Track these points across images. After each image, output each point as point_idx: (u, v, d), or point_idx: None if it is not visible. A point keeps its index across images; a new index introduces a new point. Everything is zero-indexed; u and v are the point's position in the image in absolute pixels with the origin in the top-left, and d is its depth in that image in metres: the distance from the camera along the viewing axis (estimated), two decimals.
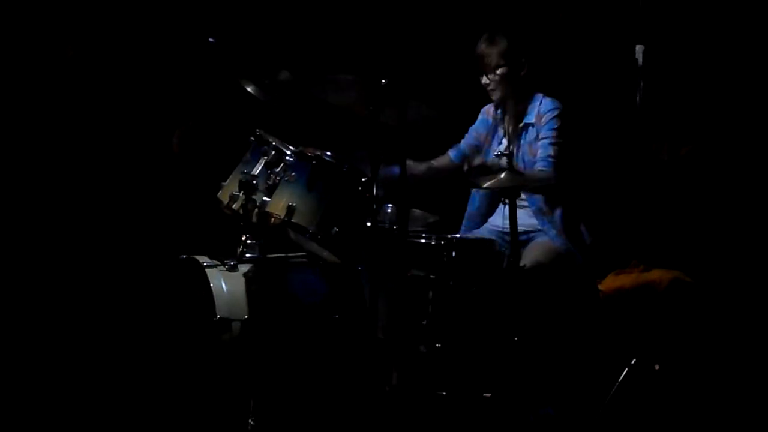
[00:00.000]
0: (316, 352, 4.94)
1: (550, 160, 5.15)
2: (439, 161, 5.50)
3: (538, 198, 5.27)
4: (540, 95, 5.28)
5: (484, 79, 5.28)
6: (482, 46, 5.26)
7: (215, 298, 4.87)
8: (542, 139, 5.20)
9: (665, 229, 5.67)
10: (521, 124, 5.28)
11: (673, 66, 5.78)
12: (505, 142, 5.29)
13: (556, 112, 5.22)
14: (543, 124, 5.22)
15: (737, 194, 5.73)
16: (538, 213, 5.27)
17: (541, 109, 5.25)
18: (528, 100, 5.29)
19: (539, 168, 5.16)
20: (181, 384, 4.97)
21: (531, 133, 5.26)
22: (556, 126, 5.20)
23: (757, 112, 5.76)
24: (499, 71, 5.24)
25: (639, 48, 5.36)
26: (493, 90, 5.28)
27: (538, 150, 5.19)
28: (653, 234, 5.58)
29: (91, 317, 5.70)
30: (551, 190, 5.20)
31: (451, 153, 5.50)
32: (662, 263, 5.47)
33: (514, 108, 5.30)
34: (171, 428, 4.93)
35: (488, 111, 5.47)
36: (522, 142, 5.28)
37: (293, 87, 5.20)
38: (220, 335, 4.85)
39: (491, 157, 5.36)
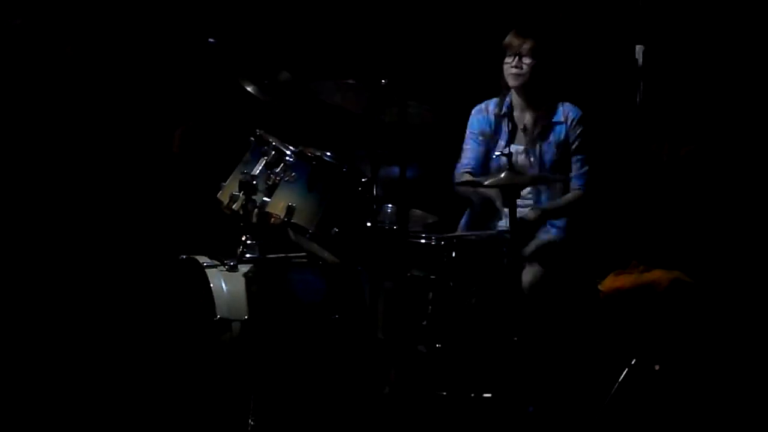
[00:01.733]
0: (316, 352, 4.94)
1: (586, 177, 5.29)
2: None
3: (545, 201, 5.28)
4: (558, 97, 5.31)
5: (514, 61, 5.26)
6: (517, 35, 5.27)
7: (215, 298, 4.87)
8: (576, 151, 5.28)
9: (665, 230, 5.67)
10: (545, 123, 5.28)
11: (673, 66, 5.77)
12: (518, 146, 5.30)
13: (583, 120, 5.29)
14: (575, 132, 5.26)
15: (737, 194, 5.73)
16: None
17: (568, 113, 5.27)
18: (552, 101, 5.30)
19: (575, 187, 5.29)
20: (181, 384, 4.97)
21: (558, 132, 5.27)
22: (585, 136, 5.29)
23: (757, 112, 5.76)
24: (531, 60, 5.23)
25: (639, 48, 5.36)
26: (518, 75, 5.25)
27: (572, 162, 5.28)
28: (653, 234, 5.57)
29: (92, 317, 5.69)
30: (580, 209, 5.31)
31: (466, 171, 5.47)
32: (662, 263, 5.46)
33: (536, 105, 5.30)
34: (171, 428, 4.93)
35: (486, 109, 5.44)
36: (549, 140, 5.28)
37: (293, 87, 5.20)
38: (220, 335, 4.85)
39: (494, 157, 5.34)
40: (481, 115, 5.44)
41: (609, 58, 5.83)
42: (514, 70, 5.25)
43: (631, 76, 5.36)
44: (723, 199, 5.74)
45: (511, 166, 4.94)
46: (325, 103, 5.15)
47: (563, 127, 5.28)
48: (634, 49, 5.37)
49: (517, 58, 5.24)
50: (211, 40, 5.28)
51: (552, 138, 5.29)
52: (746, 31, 5.77)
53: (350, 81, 4.96)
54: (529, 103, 5.32)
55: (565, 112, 5.30)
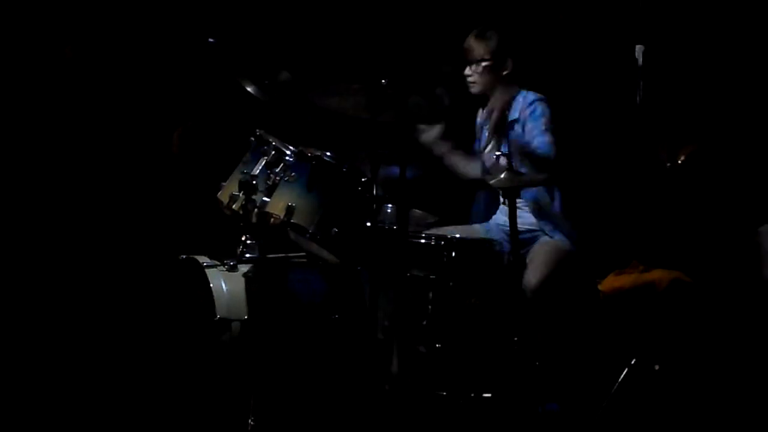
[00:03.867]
0: (316, 352, 4.94)
1: (547, 142, 5.11)
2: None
3: (535, 192, 5.26)
4: (523, 91, 5.27)
5: (467, 70, 5.27)
6: (471, 39, 5.26)
7: (215, 298, 4.87)
8: (532, 129, 5.18)
9: (665, 230, 5.67)
10: (504, 122, 5.27)
11: (673, 66, 5.77)
12: (492, 142, 5.30)
13: (539, 103, 5.19)
14: (528, 115, 5.20)
15: (737, 194, 5.73)
16: (535, 210, 5.27)
17: (524, 103, 5.24)
18: (512, 97, 5.28)
19: (537, 150, 5.14)
20: (181, 384, 4.97)
21: (517, 129, 5.24)
22: (542, 114, 5.17)
23: (757, 113, 5.76)
24: (482, 64, 5.23)
25: (639, 48, 5.36)
26: (472, 82, 5.27)
27: (531, 140, 5.16)
28: (653, 234, 5.58)
29: (92, 317, 5.70)
30: (551, 175, 5.16)
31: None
32: (662, 263, 5.47)
33: (497, 105, 5.29)
34: (171, 428, 4.93)
35: (478, 111, 5.47)
36: (511, 137, 5.25)
37: (293, 87, 5.20)
38: (220, 335, 4.85)
39: (489, 158, 5.34)
40: (479, 117, 5.47)
41: (609, 58, 5.83)
42: (468, 79, 5.27)
43: (631, 76, 5.36)
44: (722, 198, 5.74)
45: (511, 167, 4.94)
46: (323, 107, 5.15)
47: (520, 122, 5.25)
48: (634, 49, 5.37)
49: (468, 66, 5.25)
50: (211, 39, 5.28)
51: (512, 136, 5.26)
52: (746, 31, 5.77)
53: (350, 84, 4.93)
54: (494, 105, 5.32)
55: (522, 104, 5.26)
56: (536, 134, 5.15)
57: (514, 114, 5.25)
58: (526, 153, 5.14)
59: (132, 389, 5.19)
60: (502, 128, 5.27)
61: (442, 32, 6.13)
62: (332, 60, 6.08)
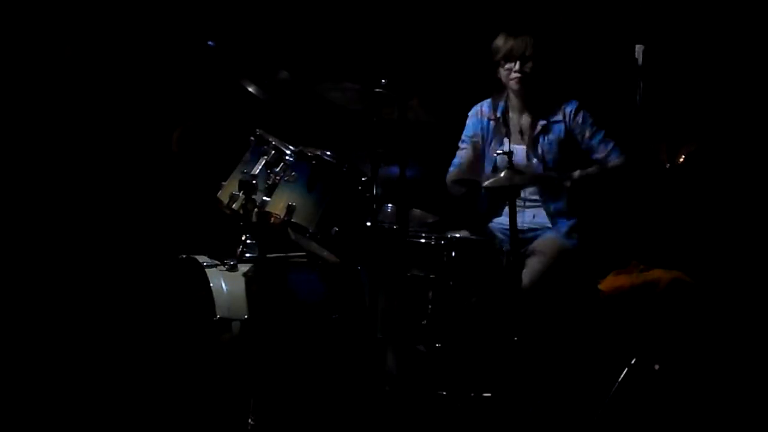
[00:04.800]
0: (316, 352, 4.94)
1: (617, 149, 5.24)
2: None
3: (557, 203, 5.27)
4: (555, 94, 5.29)
5: (516, 65, 5.23)
6: (510, 37, 5.23)
7: (215, 298, 4.87)
8: (593, 135, 5.24)
9: (665, 230, 5.67)
10: (544, 123, 5.26)
11: (673, 66, 5.77)
12: (506, 143, 5.28)
13: (582, 107, 5.26)
14: (580, 120, 5.23)
15: (737, 194, 5.73)
16: (553, 215, 5.27)
17: (564, 108, 5.25)
18: (549, 98, 5.28)
19: (614, 159, 5.25)
20: (181, 384, 4.97)
21: (558, 130, 5.24)
22: (593, 118, 5.26)
23: (757, 112, 5.76)
24: (531, 63, 5.20)
25: (639, 48, 5.36)
26: (522, 78, 5.23)
27: (596, 147, 5.24)
28: (653, 234, 5.57)
29: (91, 317, 5.69)
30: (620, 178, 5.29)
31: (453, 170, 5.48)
32: (662, 263, 5.46)
33: (535, 105, 5.28)
34: (171, 428, 4.93)
35: (480, 111, 5.43)
36: (543, 141, 5.25)
37: (292, 86, 5.20)
38: (220, 335, 4.85)
39: (494, 157, 5.34)
40: (476, 117, 5.43)
41: (609, 58, 5.83)
42: (517, 75, 5.21)
43: (631, 76, 5.36)
44: (722, 198, 5.74)
45: (512, 165, 4.94)
46: (325, 103, 5.15)
47: (562, 125, 5.26)
48: (634, 49, 5.37)
49: (519, 62, 5.20)
50: (210, 43, 5.28)
51: (552, 137, 5.28)
52: (746, 31, 5.77)
53: (349, 84, 4.94)
54: (528, 103, 5.30)
55: (562, 109, 5.27)
56: (600, 140, 5.25)
57: (556, 116, 5.25)
58: (605, 164, 5.25)
59: (132, 389, 5.19)
60: (533, 129, 5.27)
61: (439, 32, 6.13)
62: (331, 59, 6.08)
